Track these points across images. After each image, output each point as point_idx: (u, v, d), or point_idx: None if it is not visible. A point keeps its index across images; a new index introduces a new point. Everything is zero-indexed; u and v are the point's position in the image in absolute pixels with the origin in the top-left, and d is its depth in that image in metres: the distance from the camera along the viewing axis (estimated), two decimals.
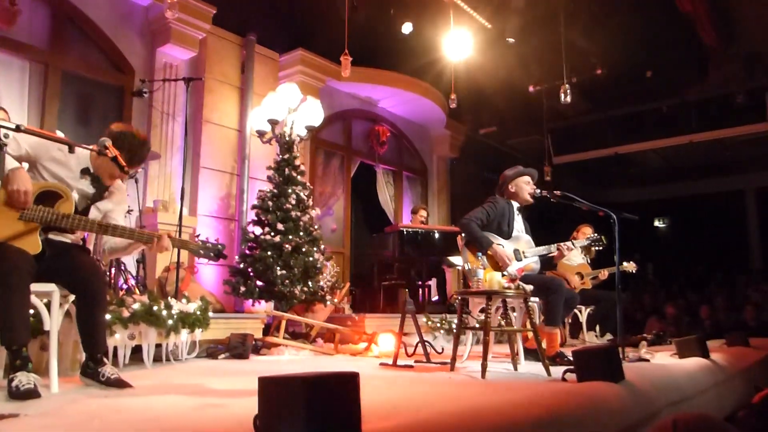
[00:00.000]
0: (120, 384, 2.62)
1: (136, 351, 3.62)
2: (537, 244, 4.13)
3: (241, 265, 5.53)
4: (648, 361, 3.77)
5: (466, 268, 3.74)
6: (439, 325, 5.78)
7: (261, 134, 6.07)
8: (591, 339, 5.75)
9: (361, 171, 8.48)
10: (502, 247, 3.92)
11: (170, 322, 3.68)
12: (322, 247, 5.70)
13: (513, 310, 4.08)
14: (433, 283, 7.54)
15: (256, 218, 5.71)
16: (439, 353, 4.40)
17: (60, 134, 2.69)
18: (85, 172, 2.76)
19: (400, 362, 3.84)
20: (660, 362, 3.76)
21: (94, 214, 2.77)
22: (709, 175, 12.76)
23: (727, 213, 12.76)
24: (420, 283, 7.21)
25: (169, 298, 3.85)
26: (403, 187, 9.18)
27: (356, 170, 8.41)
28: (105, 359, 2.67)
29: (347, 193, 8.17)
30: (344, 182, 8.18)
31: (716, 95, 9.33)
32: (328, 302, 5.56)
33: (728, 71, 8.40)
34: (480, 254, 3.68)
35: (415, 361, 4.00)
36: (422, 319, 5.74)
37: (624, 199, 13.17)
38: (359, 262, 8.14)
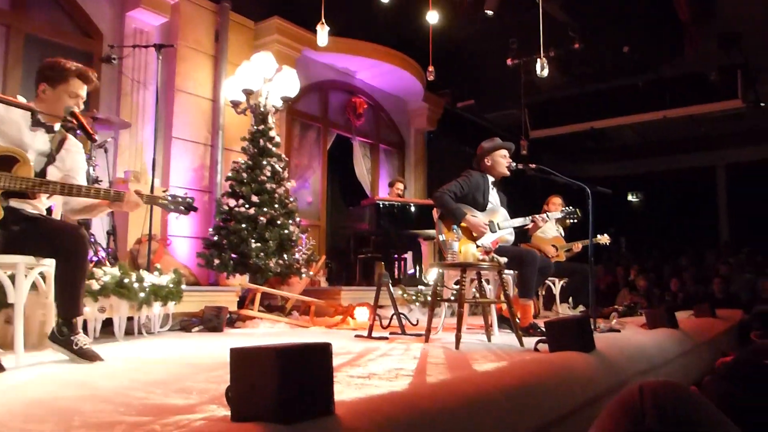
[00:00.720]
0: (91, 356, 2.58)
1: (107, 324, 3.58)
2: (513, 217, 4.17)
3: (216, 238, 5.49)
4: (618, 331, 3.82)
5: (441, 240, 3.74)
6: (414, 297, 5.83)
7: (235, 105, 5.97)
8: (564, 311, 5.82)
9: (337, 143, 8.43)
10: (477, 218, 3.96)
11: (142, 295, 3.64)
12: (298, 219, 5.71)
13: (487, 282, 4.10)
14: (409, 256, 7.57)
15: (230, 190, 5.64)
16: (414, 325, 4.42)
17: (22, 100, 2.60)
18: (36, 123, 2.64)
19: (375, 334, 3.86)
20: (630, 333, 3.82)
21: (53, 175, 2.68)
22: (682, 150, 12.90)
23: (699, 188, 12.99)
24: (396, 256, 7.29)
25: (141, 270, 3.80)
26: (380, 160, 9.17)
27: (333, 142, 8.33)
28: (78, 328, 2.61)
29: (323, 166, 8.09)
30: (320, 154, 8.12)
31: (691, 72, 9.40)
32: (304, 275, 5.57)
33: (703, 49, 8.42)
34: (455, 227, 3.70)
35: (390, 333, 4.02)
36: (398, 292, 5.77)
37: (599, 173, 13.28)
38: (335, 235, 8.15)
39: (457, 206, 3.91)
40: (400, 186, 7.41)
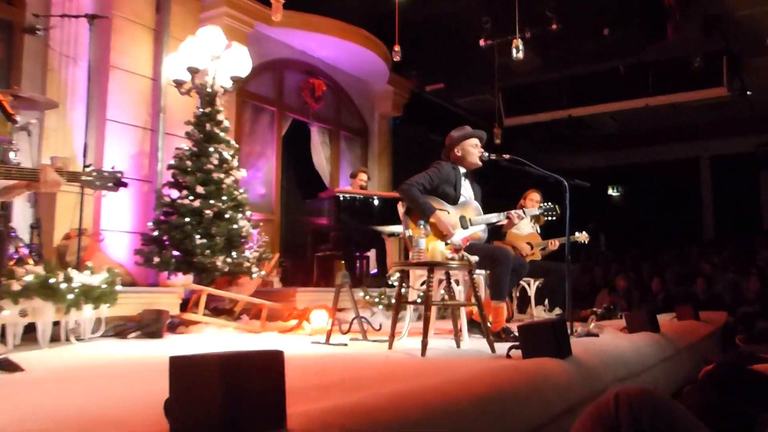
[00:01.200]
0: (9, 366, 2.50)
1: (30, 330, 3.51)
2: (486, 212, 4.22)
3: (156, 233, 5.44)
4: (597, 336, 3.90)
5: (407, 237, 3.80)
6: (377, 299, 5.88)
7: (179, 84, 5.91)
8: (539, 313, 5.91)
9: (293, 129, 8.43)
10: (447, 213, 4.00)
11: (70, 296, 3.58)
12: (249, 213, 5.74)
13: (457, 283, 4.15)
14: (372, 254, 7.63)
15: (172, 180, 5.59)
16: (377, 330, 4.46)
17: None
18: None
19: (333, 340, 3.89)
20: (609, 337, 3.91)
21: None
22: (664, 141, 13.13)
23: (682, 182, 13.25)
24: (358, 254, 7.34)
25: (69, 269, 3.74)
26: (340, 148, 9.17)
27: (288, 128, 8.31)
28: None
29: (278, 154, 8.06)
30: (274, 141, 8.09)
31: (674, 58, 9.56)
32: (255, 275, 5.58)
33: (686, 33, 8.58)
34: (422, 223, 3.73)
35: (351, 339, 4.05)
36: (359, 294, 5.81)
37: (577, 165, 13.42)
38: (290, 231, 8.16)
39: (426, 201, 3.95)
40: (363, 177, 7.44)
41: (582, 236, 6.21)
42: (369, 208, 6.85)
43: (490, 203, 4.39)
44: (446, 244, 3.57)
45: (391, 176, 9.66)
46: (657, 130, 12.75)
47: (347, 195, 6.81)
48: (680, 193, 13.24)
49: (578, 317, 5.56)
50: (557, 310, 5.89)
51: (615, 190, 14.66)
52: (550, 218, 4.77)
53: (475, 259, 3.48)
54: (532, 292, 6.00)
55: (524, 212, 4.36)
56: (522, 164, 4.02)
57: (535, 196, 6.11)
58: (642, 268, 10.15)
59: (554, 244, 6.12)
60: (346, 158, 9.28)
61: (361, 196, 6.88)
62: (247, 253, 5.57)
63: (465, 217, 4.14)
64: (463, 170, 4.27)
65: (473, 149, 4.23)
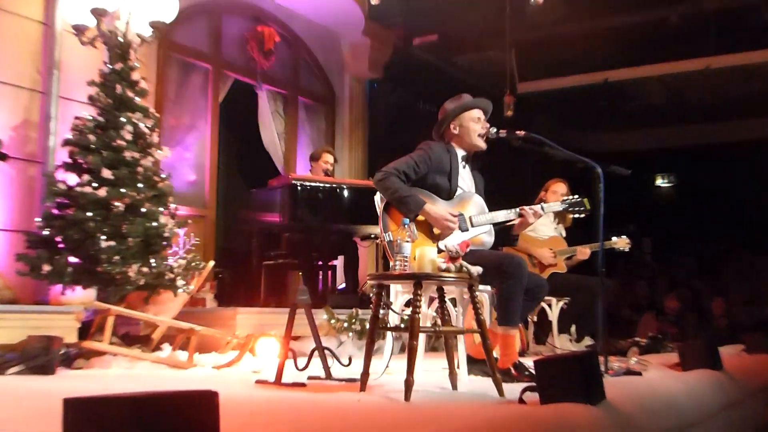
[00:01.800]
0: None
1: None
2: (493, 209, 4.29)
3: (46, 232, 5.39)
4: (639, 374, 3.98)
5: (386, 240, 3.89)
6: (346, 324, 6.02)
7: (80, 31, 5.86)
8: (563, 344, 6.04)
9: (235, 94, 8.41)
10: (440, 208, 4.10)
11: None
12: (173, 206, 5.79)
13: (453, 302, 4.22)
14: (339, 263, 7.74)
15: (69, 160, 5.56)
16: (346, 366, 4.39)
17: None
18: None
19: (286, 379, 3.94)
20: (655, 376, 3.99)
21: None
22: (731, 116, 13.05)
23: (754, 170, 13.09)
24: (320, 263, 7.43)
25: None
26: (298, 121, 9.13)
27: (228, 92, 8.31)
28: None
29: (213, 127, 8.04)
30: (209, 110, 8.05)
31: (745, 5, 9.62)
32: (181, 290, 5.63)
33: None
34: (406, 221, 3.72)
35: (309, 378, 4.12)
36: (322, 316, 5.96)
37: (614, 146, 13.37)
38: (230, 231, 8.19)
39: (410, 192, 4.03)
40: (328, 159, 7.52)
41: (621, 241, 6.33)
42: (336, 201, 6.93)
43: (497, 198, 4.47)
44: (439, 250, 3.65)
45: (366, 159, 9.70)
46: (721, 101, 12.63)
47: (307, 183, 6.86)
48: (751, 185, 13.05)
49: (615, 349, 5.66)
50: (587, 340, 6.07)
51: (665, 181, 14.69)
52: (577, 216, 4.81)
53: (477, 270, 3.54)
54: (554, 315, 6.11)
55: (543, 208, 4.41)
56: (541, 144, 4.14)
57: (559, 188, 6.25)
58: (699, 285, 10.31)
59: (584, 252, 6.28)
60: (306, 134, 9.27)
61: (326, 185, 6.94)
62: (170, 260, 5.60)
63: (464, 216, 4.20)
64: (461, 153, 4.35)
65: (475, 125, 4.32)
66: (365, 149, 9.78)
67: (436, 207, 4.08)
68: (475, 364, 4.25)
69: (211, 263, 6.27)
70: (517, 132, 4.23)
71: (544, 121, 11.79)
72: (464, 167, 4.36)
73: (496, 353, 3.93)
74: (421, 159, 4.15)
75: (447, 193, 4.21)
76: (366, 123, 9.87)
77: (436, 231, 4.06)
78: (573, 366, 2.81)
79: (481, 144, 4.33)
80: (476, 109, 4.36)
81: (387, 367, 4.05)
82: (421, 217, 4.00)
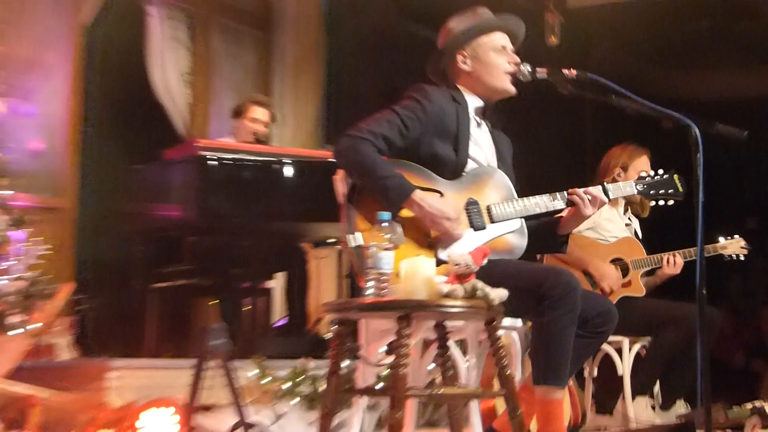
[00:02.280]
0: None
1: None
2: (525, 193, 4.29)
3: None
4: None
5: (352, 245, 3.81)
6: (289, 385, 5.80)
7: None
8: (642, 413, 5.85)
9: (111, 12, 8.07)
10: (440, 197, 4.04)
11: None
12: (5, 193, 5.89)
13: (462, 347, 4.35)
14: (278, 284, 7.62)
15: None
16: None
17: None
18: None
19: None
20: None
21: None
22: None
23: None
24: (247, 284, 7.23)
25: None
26: (212, 53, 8.88)
27: (100, 11, 7.98)
28: None
29: (76, 66, 7.73)
30: (67, 37, 7.75)
31: None
32: (19, 330, 5.58)
33: None
34: (385, 219, 3.57)
35: None
36: (249, 372, 5.79)
37: (725, 93, 12.90)
38: (100, 233, 7.85)
39: (393, 171, 3.94)
40: (259, 115, 7.28)
41: (733, 245, 6.23)
42: (272, 184, 6.64)
43: (535, 177, 4.57)
44: (439, 262, 3.70)
45: (322, 115, 9.48)
46: None
47: (225, 156, 6.48)
48: None
49: (726, 421, 5.50)
50: (679, 407, 5.90)
51: None
52: (662, 201, 4.63)
53: (501, 295, 3.45)
54: (625, 366, 5.92)
55: (607, 191, 4.34)
56: (606, 91, 4.08)
57: (638, 162, 6.13)
58: None
59: (675, 262, 6.12)
60: (225, 76, 8.98)
61: (256, 158, 6.60)
62: (2, 279, 5.57)
63: (479, 206, 4.12)
64: (475, 103, 4.27)
65: (498, 57, 4.26)
66: (320, 100, 9.50)
67: (434, 197, 3.98)
68: None
69: (69, 287, 6.12)
70: (566, 71, 4.12)
71: (610, 52, 11.59)
72: (480, 127, 4.28)
73: (532, 428, 4.02)
74: (410, 115, 4.06)
75: (452, 168, 4.12)
76: (322, 58, 9.57)
77: (432, 234, 3.94)
78: None
79: (509, 87, 4.23)
80: (498, 31, 4.28)
81: None
82: (406, 212, 3.87)
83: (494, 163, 4.35)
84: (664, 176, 4.59)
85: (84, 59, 7.87)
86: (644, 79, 9.01)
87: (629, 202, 6.27)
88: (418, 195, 3.92)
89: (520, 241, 4.18)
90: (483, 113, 4.35)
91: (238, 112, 7.33)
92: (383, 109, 4.12)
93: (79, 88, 7.83)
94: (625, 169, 6.14)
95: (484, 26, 4.32)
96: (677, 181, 4.57)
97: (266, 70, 9.45)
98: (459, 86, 4.35)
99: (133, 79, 8.50)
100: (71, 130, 7.75)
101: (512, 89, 4.29)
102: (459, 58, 4.30)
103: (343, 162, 4.05)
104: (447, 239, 3.96)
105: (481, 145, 4.32)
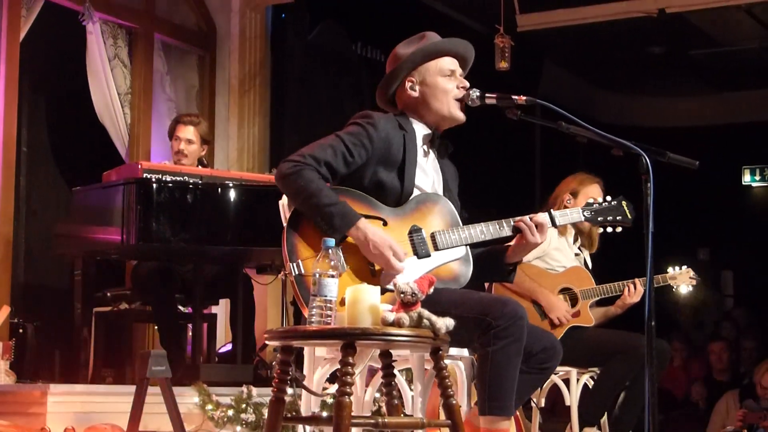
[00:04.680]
0: None
1: None
2: (471, 220, 4.30)
3: None
4: None
5: (295, 275, 3.80)
6: (232, 413, 5.98)
7: None
8: None
9: (48, 26, 8.20)
10: (383, 225, 4.07)
11: None
12: None
13: (407, 377, 4.40)
14: (221, 310, 7.77)
15: None
16: None
17: None
18: None
19: None
20: None
21: None
22: None
23: None
24: (189, 309, 7.30)
25: None
26: (155, 73, 8.98)
27: (35, 23, 7.98)
28: None
29: (10, 83, 7.72)
30: (2, 52, 7.72)
31: None
32: None
33: None
34: (329, 245, 3.57)
35: None
36: (192, 399, 5.93)
37: (674, 120, 13.42)
38: (38, 257, 8.11)
39: (336, 198, 3.96)
40: (183, 133, 7.28)
41: (682, 276, 6.29)
42: (216, 207, 6.74)
43: (482, 205, 4.68)
44: (384, 290, 3.64)
45: (267, 137, 9.68)
46: None
47: (167, 178, 6.63)
48: None
49: None
50: None
51: (756, 177, 14.29)
52: (611, 228, 4.58)
53: (446, 324, 3.45)
54: (573, 397, 5.97)
55: (554, 219, 4.32)
56: (556, 118, 4.07)
57: (587, 186, 6.17)
58: None
59: (627, 293, 6.14)
60: (165, 95, 9.10)
61: (199, 182, 6.74)
62: None
63: (422, 233, 4.12)
64: (422, 131, 4.29)
65: (446, 83, 4.23)
66: (266, 121, 9.66)
67: (376, 227, 3.99)
68: None
69: (6, 310, 6.37)
70: (516, 97, 4.07)
71: (560, 77, 11.68)
72: (427, 155, 4.28)
73: None
74: (355, 141, 4.04)
75: (397, 196, 4.11)
76: (267, 78, 9.71)
77: (376, 266, 3.94)
78: None
79: (458, 114, 4.21)
80: (447, 56, 4.25)
81: None
82: (350, 240, 3.92)
83: (440, 189, 4.37)
84: (612, 202, 4.52)
85: (20, 76, 7.80)
86: (595, 104, 9.14)
87: (578, 232, 6.26)
88: (362, 224, 3.95)
89: (465, 269, 4.17)
90: (430, 141, 4.34)
91: (169, 131, 7.48)
92: (328, 135, 4.14)
93: (14, 106, 7.72)
94: (575, 195, 6.10)
95: (432, 50, 4.28)
96: (626, 208, 4.51)
97: (210, 91, 9.52)
98: (407, 113, 4.32)
99: (71, 99, 8.50)
100: (6, 150, 7.60)
101: (461, 116, 4.28)
102: (407, 83, 4.27)
103: (285, 187, 4.06)
104: (391, 267, 3.93)
105: (427, 172, 4.31)
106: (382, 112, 4.27)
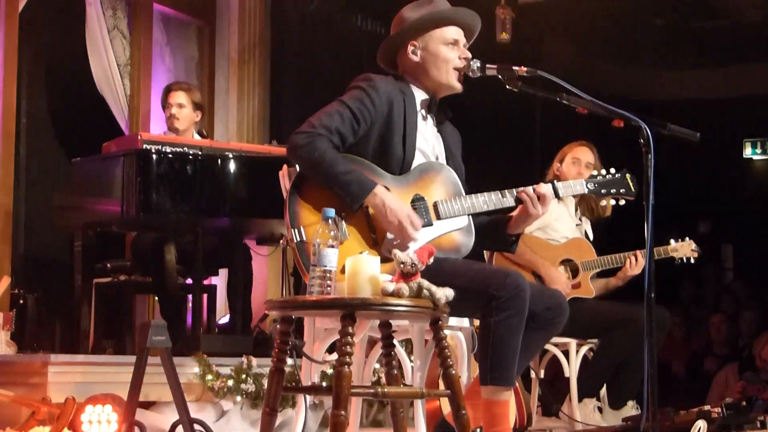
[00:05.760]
0: None
1: None
2: (473, 190, 4.31)
3: None
4: None
5: (296, 243, 3.84)
6: (232, 383, 6.00)
7: None
8: (588, 416, 6.04)
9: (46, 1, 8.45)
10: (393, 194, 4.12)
11: None
12: None
13: (407, 348, 4.44)
14: (221, 281, 7.82)
15: None
16: None
17: None
18: None
19: None
20: None
21: None
22: None
23: None
24: (189, 281, 7.33)
25: None
26: (154, 45, 9.04)
27: None
28: None
29: (9, 55, 7.82)
30: (1, 26, 7.77)
31: None
32: None
33: None
34: (329, 215, 3.57)
35: None
36: (192, 369, 5.98)
37: (677, 93, 13.20)
38: (38, 229, 8.15)
39: (351, 166, 4.00)
40: (176, 98, 7.37)
41: (683, 248, 6.36)
42: (216, 179, 6.76)
43: (483, 175, 4.62)
44: (384, 259, 3.67)
45: (267, 109, 9.71)
46: None
47: (166, 149, 6.67)
48: None
49: (672, 424, 5.55)
50: (627, 410, 6.05)
51: (757, 150, 14.13)
52: (614, 200, 4.66)
53: (446, 294, 3.48)
54: (572, 368, 6.09)
55: (557, 190, 4.35)
56: (556, 89, 4.11)
57: (582, 155, 6.30)
58: None
59: (629, 264, 6.24)
60: (165, 67, 9.20)
61: (197, 153, 6.79)
62: None
63: (425, 201, 4.17)
64: (421, 96, 4.33)
65: (449, 51, 4.26)
66: (265, 93, 9.70)
67: (394, 198, 4.00)
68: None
69: (6, 280, 6.47)
70: (516, 68, 4.12)
71: (562, 50, 11.64)
72: (426, 120, 4.31)
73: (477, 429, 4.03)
74: (360, 105, 4.07)
75: (399, 161, 4.14)
76: (267, 50, 9.76)
77: (389, 235, 3.96)
78: None
79: (455, 84, 4.24)
80: (451, 24, 4.26)
81: None
82: (370, 210, 3.94)
83: (442, 157, 4.41)
84: (616, 175, 4.54)
85: (19, 48, 7.87)
86: (597, 77, 9.26)
87: (583, 202, 6.33)
88: (380, 190, 3.98)
89: (466, 240, 4.22)
90: (428, 107, 4.38)
91: (162, 100, 7.55)
92: (331, 102, 4.17)
93: (13, 78, 7.79)
94: (561, 161, 6.23)
95: (438, 18, 4.30)
96: (629, 181, 4.55)
97: (209, 62, 9.63)
98: (406, 77, 4.37)
99: (70, 70, 8.57)
100: (6, 122, 7.70)
101: (458, 86, 4.31)
102: (410, 48, 4.31)
103: (299, 159, 4.08)
104: (407, 235, 3.97)
105: (427, 139, 4.36)
106: (382, 76, 4.30)
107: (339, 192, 3.92)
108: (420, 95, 4.28)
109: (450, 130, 4.46)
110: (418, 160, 4.22)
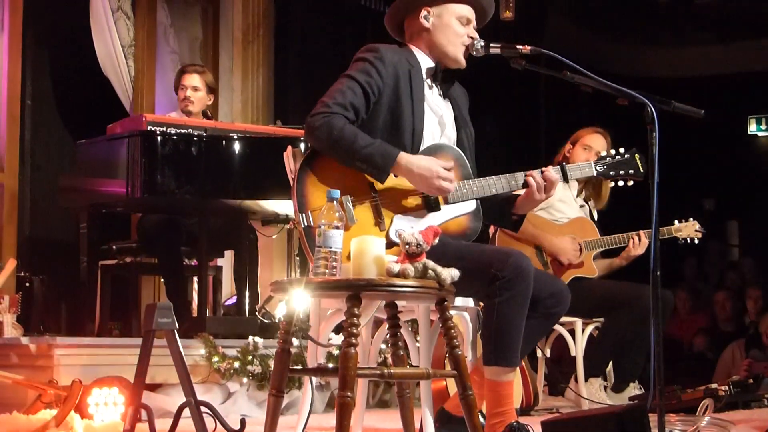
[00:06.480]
0: None
1: None
2: (481, 173, 4.35)
3: None
4: None
5: (303, 226, 3.88)
6: (238, 365, 6.00)
7: None
8: (594, 394, 6.04)
9: None
10: (394, 176, 4.08)
11: None
12: None
13: (413, 328, 4.40)
14: (226, 263, 7.91)
15: None
16: (238, 431, 4.36)
17: None
18: None
19: None
20: None
21: None
22: None
23: None
24: (195, 262, 7.46)
25: None
26: (158, 25, 9.04)
27: None
28: None
29: (14, 35, 7.75)
30: (5, 4, 7.74)
31: None
32: None
33: None
34: (334, 196, 3.58)
35: None
36: (198, 351, 6.01)
37: (681, 70, 13.17)
38: (44, 210, 8.19)
39: (371, 138, 4.00)
40: (190, 81, 7.33)
41: (688, 228, 6.40)
42: (221, 160, 6.74)
43: (489, 157, 4.63)
44: (390, 243, 3.75)
45: (272, 90, 9.68)
46: None
47: (171, 130, 6.65)
48: None
49: (678, 403, 5.56)
50: (632, 389, 6.11)
51: (762, 127, 14.10)
52: (621, 182, 4.65)
53: (452, 275, 3.49)
54: (578, 347, 6.19)
55: (565, 172, 4.37)
56: (561, 67, 4.08)
57: (594, 142, 6.22)
58: None
59: (633, 244, 6.27)
60: (169, 47, 9.20)
61: (202, 134, 6.76)
62: None
63: None
64: (426, 63, 4.34)
65: (459, 26, 4.26)
66: (269, 73, 9.64)
67: (427, 160, 3.99)
68: (449, 426, 4.28)
69: (12, 263, 6.33)
70: (520, 46, 4.10)
71: (565, 28, 11.39)
72: (431, 90, 4.30)
73: (482, 409, 4.03)
74: (368, 78, 4.08)
75: (410, 135, 4.14)
76: (271, 29, 9.71)
77: (429, 196, 4.03)
78: (607, 430, 2.91)
79: (461, 59, 4.25)
80: (462, 2, 4.25)
81: None
82: (393, 182, 4.00)
83: (452, 126, 4.40)
84: (625, 156, 4.55)
85: (24, 28, 7.86)
86: (600, 55, 9.23)
87: (588, 185, 6.36)
88: (404, 157, 4.01)
89: (475, 224, 4.26)
90: (433, 76, 4.37)
91: (175, 83, 7.50)
92: (339, 79, 4.17)
93: (18, 59, 7.80)
94: (573, 143, 6.23)
95: None
96: (638, 161, 4.54)
97: (213, 43, 9.65)
98: (411, 46, 4.39)
99: (75, 52, 8.56)
100: (11, 104, 7.72)
101: (463, 61, 4.32)
102: (423, 12, 4.30)
103: (318, 140, 4.07)
104: (441, 186, 3.97)
105: (434, 110, 4.35)
106: (387, 45, 4.31)
107: (362, 166, 3.97)
108: (426, 62, 4.29)
109: (458, 92, 4.46)
110: (428, 130, 4.22)
